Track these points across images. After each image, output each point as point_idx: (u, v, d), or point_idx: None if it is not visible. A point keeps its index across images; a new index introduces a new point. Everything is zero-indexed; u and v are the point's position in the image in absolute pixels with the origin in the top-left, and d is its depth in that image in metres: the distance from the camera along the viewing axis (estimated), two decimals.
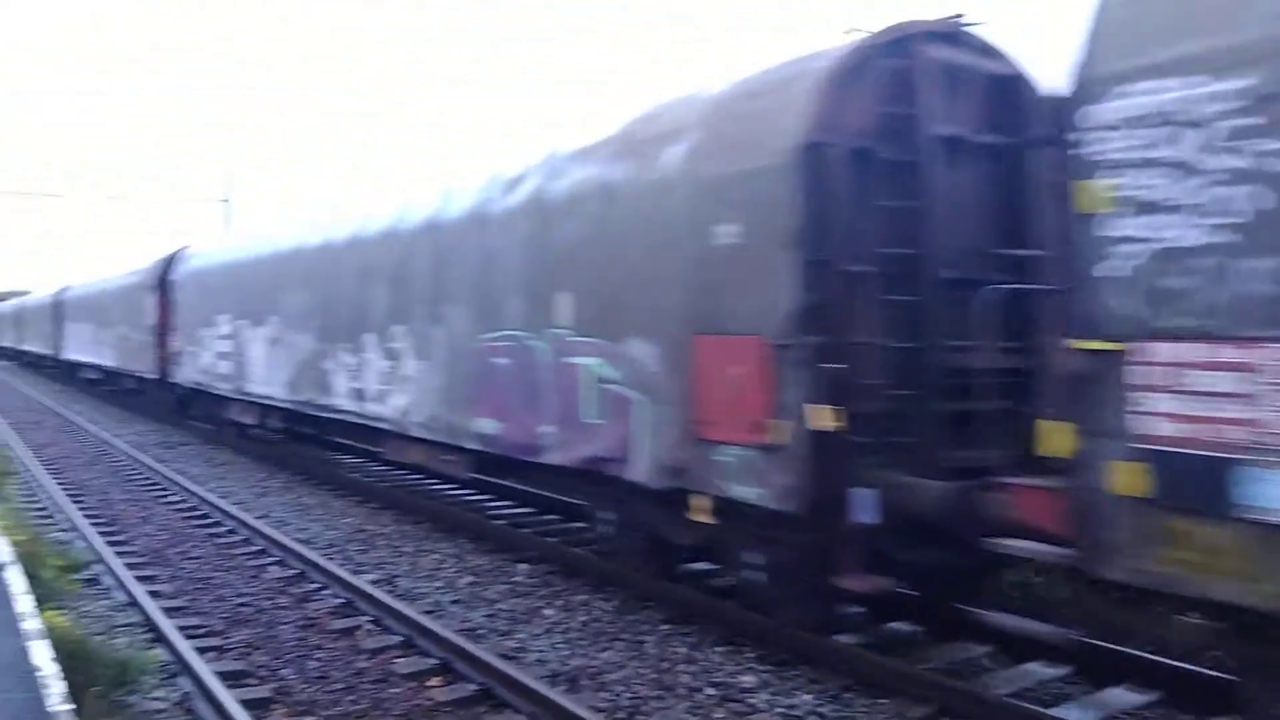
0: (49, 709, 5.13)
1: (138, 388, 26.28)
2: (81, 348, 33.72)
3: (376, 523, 12.28)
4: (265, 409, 16.86)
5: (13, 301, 63.47)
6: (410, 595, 9.03)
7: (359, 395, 12.84)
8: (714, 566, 9.47)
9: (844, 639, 7.31)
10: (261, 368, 16.43)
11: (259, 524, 11.74)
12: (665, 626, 7.92)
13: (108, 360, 28.94)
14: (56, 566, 9.10)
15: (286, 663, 7.38)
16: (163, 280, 23.00)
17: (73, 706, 5.28)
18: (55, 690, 5.40)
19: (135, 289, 25.26)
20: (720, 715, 6.29)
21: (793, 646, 7.19)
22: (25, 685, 5.50)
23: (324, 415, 14.20)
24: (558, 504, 12.35)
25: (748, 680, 6.77)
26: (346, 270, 13.22)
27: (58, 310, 39.32)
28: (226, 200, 46.38)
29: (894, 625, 7.85)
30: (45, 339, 43.24)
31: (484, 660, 6.90)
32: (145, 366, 24.03)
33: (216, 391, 19.00)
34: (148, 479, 16.15)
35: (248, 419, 18.02)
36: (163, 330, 22.78)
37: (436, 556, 10.50)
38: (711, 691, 6.62)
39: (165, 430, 23.18)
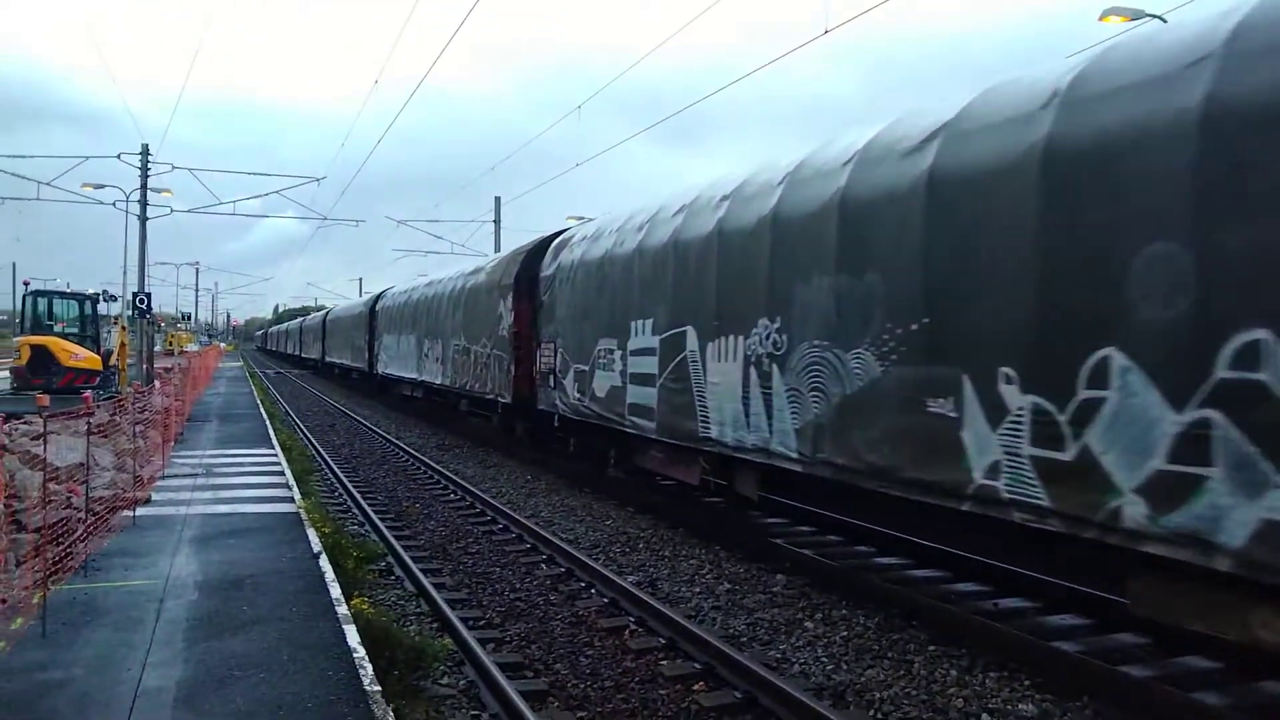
0: (364, 688, 5.68)
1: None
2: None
3: (636, 526, 12.67)
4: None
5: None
6: (672, 599, 9.24)
7: None
8: (983, 588, 9.11)
9: (1132, 670, 6.78)
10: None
11: (529, 523, 12.43)
12: (933, 647, 7.65)
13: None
14: (356, 557, 10.02)
15: (559, 658, 7.76)
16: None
17: (380, 688, 5.82)
18: (368, 672, 5.97)
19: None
20: None
21: (1074, 674, 6.76)
22: (343, 665, 6.12)
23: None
24: (811, 515, 12.26)
25: (1026, 709, 6.43)
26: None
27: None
28: None
29: (1186, 659, 7.19)
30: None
31: (748, 668, 6.95)
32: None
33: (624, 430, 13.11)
34: (428, 478, 17.51)
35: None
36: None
37: (694, 562, 10.69)
38: (986, 718, 6.34)
39: (441, 435, 25.02)
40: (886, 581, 9.31)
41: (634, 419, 12.45)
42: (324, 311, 63.79)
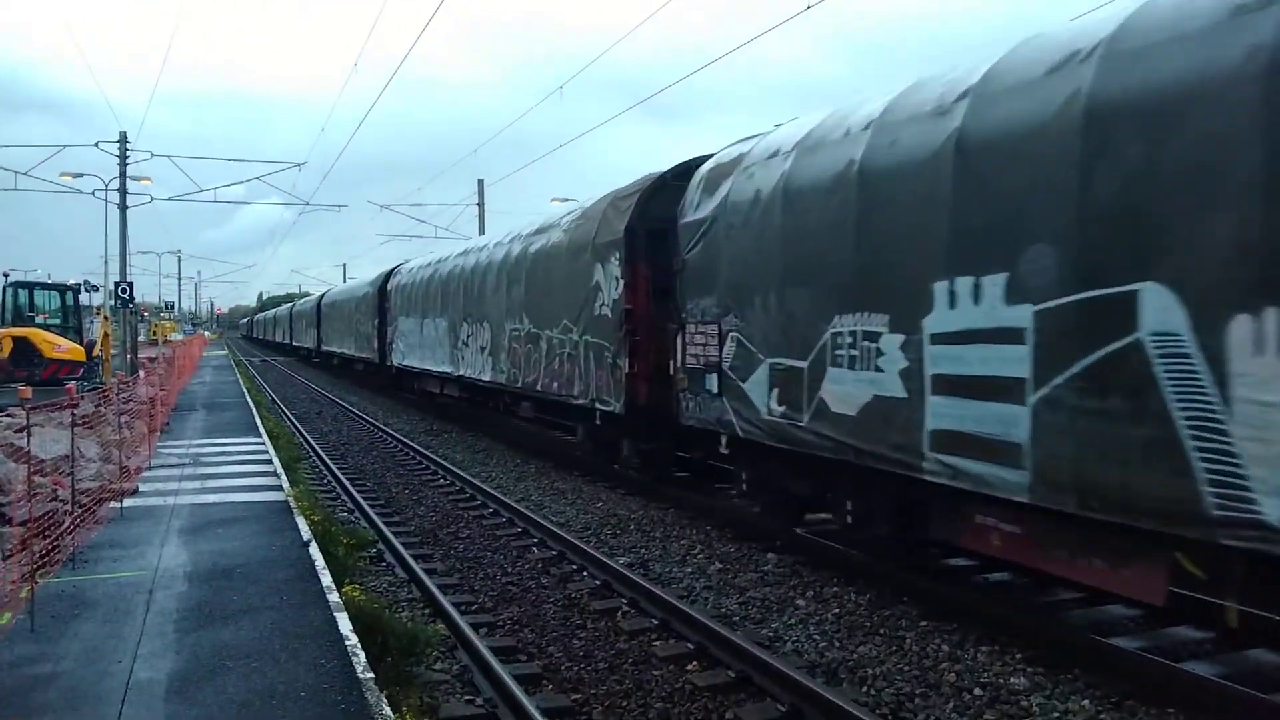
0: (358, 675, 5.67)
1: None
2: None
3: (627, 508, 12.68)
4: None
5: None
6: (664, 580, 9.26)
7: None
8: (973, 563, 9.15)
9: (1121, 642, 6.83)
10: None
11: (519, 507, 12.42)
12: (924, 623, 7.69)
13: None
14: (346, 544, 9.99)
15: (552, 641, 7.76)
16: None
17: (373, 675, 5.80)
18: (360, 659, 5.95)
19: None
20: (991, 717, 6.04)
21: (1065, 648, 6.80)
22: (336, 653, 6.10)
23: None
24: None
25: (1018, 682, 6.47)
26: None
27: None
28: None
29: (1176, 630, 7.26)
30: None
31: (741, 647, 6.96)
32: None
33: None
34: (417, 463, 17.47)
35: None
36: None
37: (685, 543, 10.71)
38: (979, 692, 6.37)
39: (428, 419, 24.96)
40: (876, 558, 9.33)
41: (950, 460, 7.13)
42: (318, 294, 57.04)
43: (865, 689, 6.55)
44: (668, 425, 12.22)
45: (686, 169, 12.16)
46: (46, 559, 7.80)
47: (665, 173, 12.86)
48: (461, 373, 20.83)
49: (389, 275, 30.67)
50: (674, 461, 13.88)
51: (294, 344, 64.70)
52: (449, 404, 24.77)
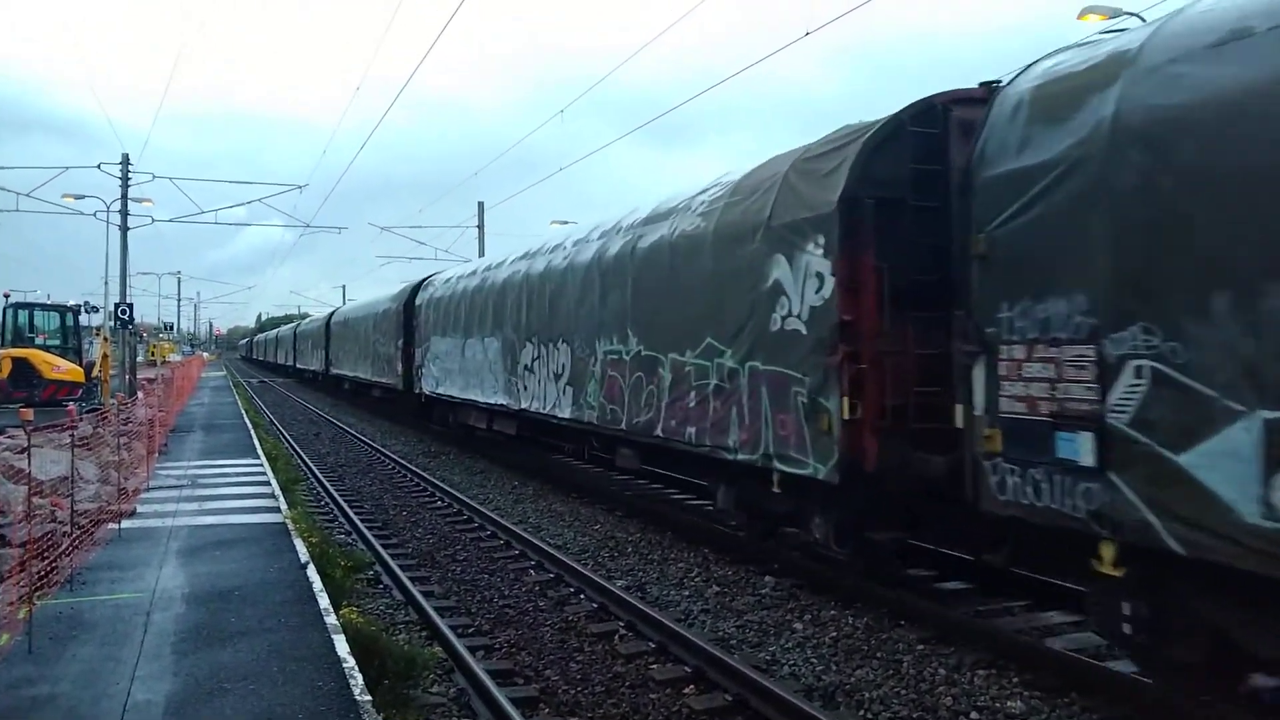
0: (355, 697, 5.68)
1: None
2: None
3: (625, 531, 12.68)
4: None
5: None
6: (661, 602, 9.26)
7: None
8: (970, 586, 9.16)
9: (1119, 666, 6.84)
10: None
11: (517, 529, 12.42)
12: (922, 646, 7.70)
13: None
14: (344, 566, 9.99)
15: (549, 664, 7.76)
16: None
17: (371, 697, 5.81)
18: (358, 682, 5.96)
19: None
20: None
21: (1062, 671, 6.82)
22: (333, 675, 6.11)
23: None
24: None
25: (1015, 706, 6.48)
26: None
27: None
28: None
29: (1172, 655, 7.25)
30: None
31: (739, 670, 6.97)
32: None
33: None
34: (415, 485, 17.47)
35: None
36: None
37: (683, 565, 10.71)
38: (976, 716, 6.39)
39: (426, 441, 24.97)
40: (874, 582, 9.35)
41: None
42: (326, 313, 51.68)
43: (862, 713, 6.56)
44: (937, 503, 8.07)
45: (928, 108, 8.44)
46: (45, 580, 7.82)
47: (899, 114, 8.50)
48: (524, 406, 16.30)
49: (418, 288, 26.44)
50: (903, 552, 9.74)
51: (297, 366, 61.23)
52: (495, 440, 20.22)
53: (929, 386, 7.99)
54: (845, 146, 8.75)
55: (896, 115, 8.53)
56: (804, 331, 8.79)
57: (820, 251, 8.60)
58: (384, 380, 29.62)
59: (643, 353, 11.96)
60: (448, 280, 23.36)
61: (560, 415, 14.63)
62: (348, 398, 39.91)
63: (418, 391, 24.77)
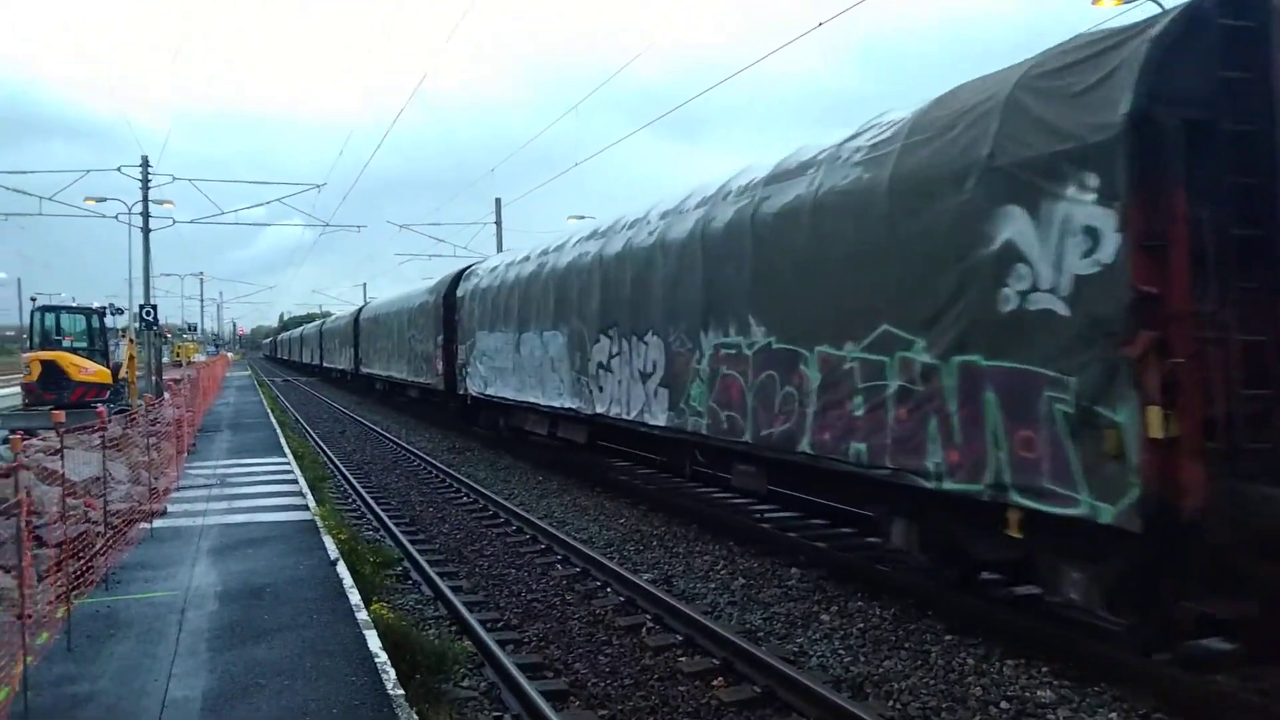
0: (388, 692, 5.75)
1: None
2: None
3: (649, 524, 12.72)
4: None
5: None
6: (688, 595, 9.29)
7: None
8: (998, 576, 9.14)
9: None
10: None
11: (542, 524, 12.49)
12: (949, 637, 7.70)
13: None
14: (373, 563, 10.08)
15: (578, 657, 7.81)
16: None
17: (403, 692, 5.88)
18: (390, 677, 6.03)
19: None
20: None
21: (1091, 662, 6.80)
22: (365, 670, 6.18)
23: None
24: (823, 509, 12.27)
25: (1044, 695, 6.47)
26: None
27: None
28: None
29: (1204, 642, 7.21)
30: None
31: (766, 662, 7.00)
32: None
33: None
34: (441, 481, 17.57)
35: None
36: None
37: (709, 558, 10.74)
38: (1005, 705, 6.38)
39: (450, 437, 25.10)
40: (901, 572, 9.35)
41: None
42: (355, 308, 49.32)
43: (891, 703, 6.57)
44: None
45: None
46: (81, 580, 7.94)
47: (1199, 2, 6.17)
48: (599, 410, 14.01)
49: (458, 278, 24.17)
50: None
51: (324, 365, 58.88)
52: (555, 447, 17.86)
53: (1259, 389, 5.94)
54: (1117, 48, 6.32)
55: (1197, 2, 6.17)
56: (1064, 312, 6.34)
57: (1091, 196, 6.17)
58: (422, 380, 27.42)
59: (774, 345, 9.50)
60: (494, 269, 20.80)
61: (652, 422, 12.19)
62: (379, 398, 38.67)
63: (462, 393, 22.46)
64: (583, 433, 15.55)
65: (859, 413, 8.18)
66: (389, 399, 35.74)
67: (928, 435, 7.43)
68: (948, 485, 7.23)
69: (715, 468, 12.45)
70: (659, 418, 12.00)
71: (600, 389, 14.02)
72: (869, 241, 8.13)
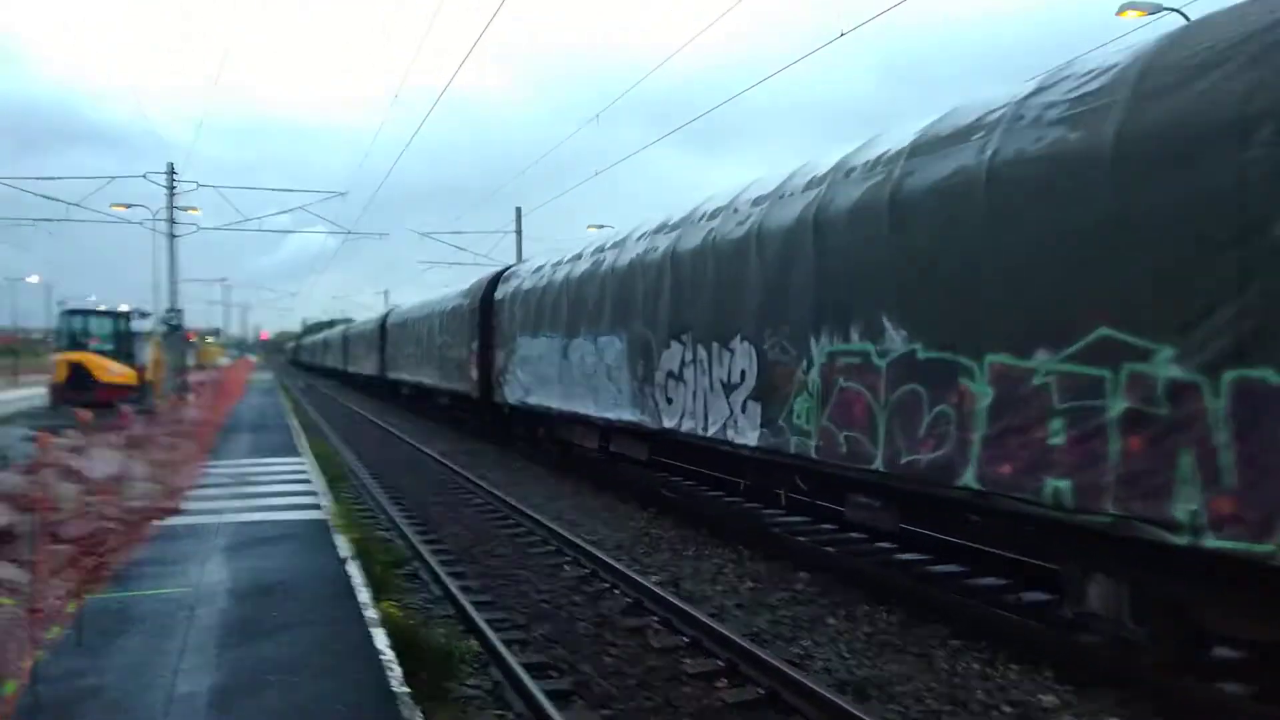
0: (394, 690, 5.81)
1: None
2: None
3: (659, 527, 12.75)
4: None
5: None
6: (695, 598, 9.31)
7: None
8: (1004, 581, 9.11)
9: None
10: None
11: (553, 525, 12.54)
12: (954, 641, 7.68)
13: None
14: (383, 562, 10.17)
15: (584, 658, 7.84)
16: None
17: (409, 690, 5.93)
18: (396, 674, 6.09)
19: None
20: None
21: (1096, 665, 6.77)
22: (372, 667, 6.25)
23: None
24: (830, 513, 12.22)
25: (1048, 700, 6.45)
26: None
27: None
28: None
29: (1208, 649, 7.16)
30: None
31: (771, 665, 7.01)
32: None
33: None
34: (454, 483, 17.67)
35: None
36: None
37: (717, 561, 10.75)
38: (1008, 709, 6.37)
39: (466, 440, 25.23)
40: (907, 577, 9.34)
41: None
42: (382, 313, 47.92)
43: (894, 706, 6.56)
44: None
45: None
46: (93, 575, 8.05)
47: None
48: (668, 424, 12.34)
49: (496, 280, 22.89)
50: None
51: (349, 370, 57.39)
52: (598, 460, 16.79)
53: None
54: None
55: None
56: None
57: None
58: (454, 387, 25.95)
59: (920, 355, 7.77)
60: (538, 269, 19.33)
61: (739, 441, 10.47)
62: (404, 403, 37.73)
63: (498, 401, 21.21)
64: (642, 449, 13.99)
65: (1057, 441, 6.38)
66: (414, 405, 35.61)
67: (1177, 475, 5.62)
68: (1210, 542, 5.43)
69: (820, 497, 10.82)
70: (747, 436, 10.26)
71: (668, 401, 12.35)
72: (1079, 220, 6.33)
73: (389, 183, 32.30)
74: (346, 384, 61.70)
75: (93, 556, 8.02)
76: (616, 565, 10.25)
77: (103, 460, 10.87)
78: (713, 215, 11.78)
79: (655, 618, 8.72)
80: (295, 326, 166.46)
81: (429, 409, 32.03)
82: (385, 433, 28.50)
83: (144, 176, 29.39)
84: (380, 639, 6.86)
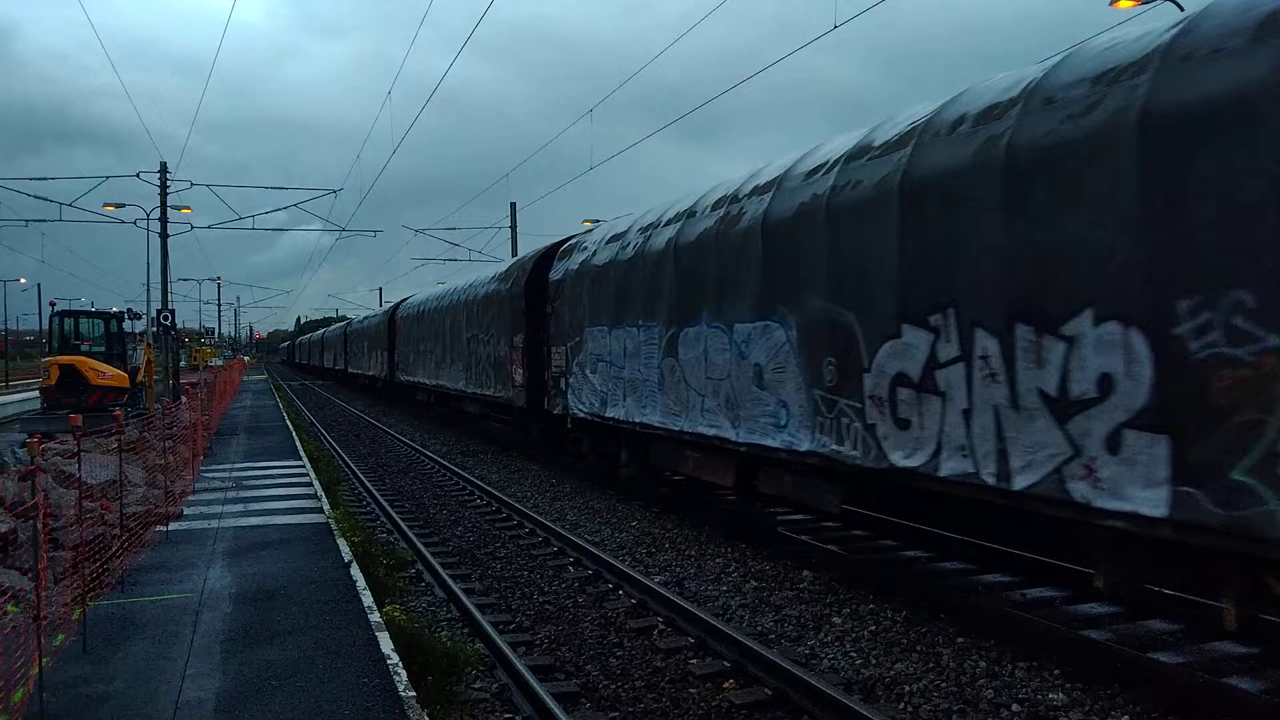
0: (400, 694, 5.78)
1: None
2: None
3: (661, 527, 12.73)
4: None
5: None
6: (700, 598, 9.30)
7: None
8: (1010, 579, 9.10)
9: (1162, 657, 6.78)
10: None
11: (555, 526, 12.51)
12: (961, 639, 7.68)
13: None
14: (386, 565, 10.14)
15: (590, 659, 7.82)
16: None
17: (415, 693, 5.91)
18: (402, 678, 6.07)
19: None
20: None
21: (1104, 663, 6.77)
22: (378, 671, 6.22)
23: None
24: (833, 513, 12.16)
25: (1056, 698, 6.44)
26: None
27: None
28: None
29: (1219, 644, 7.18)
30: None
31: (778, 665, 6.99)
32: None
33: None
34: (454, 484, 17.63)
35: None
36: None
37: (720, 561, 10.74)
38: (1017, 708, 6.35)
39: (464, 440, 25.18)
40: (913, 575, 9.33)
41: None
42: (389, 305, 42.65)
43: (902, 706, 6.55)
44: None
45: None
46: (97, 582, 8.02)
47: None
48: (900, 461, 7.98)
49: (550, 255, 18.00)
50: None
51: (350, 370, 53.64)
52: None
53: None
54: None
55: None
56: None
57: None
58: (489, 392, 21.28)
59: None
60: (617, 237, 14.54)
61: (1110, 506, 6.06)
62: (417, 409, 33.68)
63: (557, 412, 16.63)
64: (834, 494, 9.43)
65: None
66: (435, 415, 31.18)
67: None
68: None
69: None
70: (1130, 495, 5.91)
71: (899, 423, 7.96)
72: None
73: (382, 180, 32.27)
74: (347, 386, 58.69)
75: (95, 563, 7.99)
76: (620, 566, 10.21)
77: (99, 465, 10.83)
78: (981, 117, 7.41)
79: (660, 618, 8.70)
80: (289, 325, 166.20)
81: (454, 419, 27.96)
82: (380, 431, 28.37)
83: (137, 176, 29.28)
84: (385, 643, 6.87)
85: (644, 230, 13.52)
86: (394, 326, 36.78)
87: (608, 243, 14.87)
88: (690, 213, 12.15)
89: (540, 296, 17.91)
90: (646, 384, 12.94)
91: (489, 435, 23.07)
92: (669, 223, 12.75)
